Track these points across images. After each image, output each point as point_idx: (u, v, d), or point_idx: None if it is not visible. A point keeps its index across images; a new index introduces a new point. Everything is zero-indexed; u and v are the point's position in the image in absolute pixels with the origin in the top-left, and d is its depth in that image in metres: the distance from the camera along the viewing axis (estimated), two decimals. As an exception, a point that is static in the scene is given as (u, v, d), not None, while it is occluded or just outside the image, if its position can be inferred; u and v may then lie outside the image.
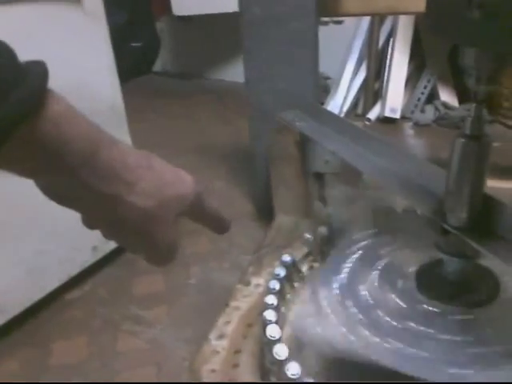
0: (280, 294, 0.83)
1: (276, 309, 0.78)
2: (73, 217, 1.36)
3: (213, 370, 0.85)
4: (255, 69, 1.43)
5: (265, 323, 0.74)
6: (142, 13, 3.12)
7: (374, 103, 2.44)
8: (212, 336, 0.91)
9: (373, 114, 2.40)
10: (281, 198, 1.28)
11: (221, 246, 1.50)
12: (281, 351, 0.67)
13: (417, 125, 2.32)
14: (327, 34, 2.04)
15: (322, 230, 1.03)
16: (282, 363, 0.66)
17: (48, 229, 1.24)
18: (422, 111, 2.34)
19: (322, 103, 2.50)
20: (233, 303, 0.99)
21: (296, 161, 1.26)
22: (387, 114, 2.33)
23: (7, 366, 1.10)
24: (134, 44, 3.00)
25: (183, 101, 2.94)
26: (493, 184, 0.65)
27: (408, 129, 2.32)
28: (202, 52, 3.35)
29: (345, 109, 2.48)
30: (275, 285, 0.85)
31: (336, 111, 2.45)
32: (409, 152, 0.90)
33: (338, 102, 2.47)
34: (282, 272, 0.89)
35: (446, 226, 0.65)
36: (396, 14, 2.13)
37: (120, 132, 1.35)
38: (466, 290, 0.70)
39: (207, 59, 3.35)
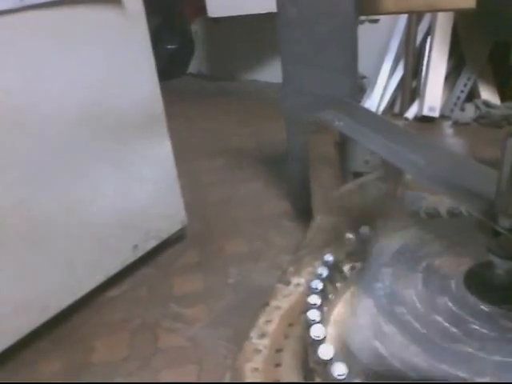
0: (322, 294, 0.82)
1: (319, 308, 0.77)
2: (114, 216, 1.39)
3: (255, 369, 0.84)
4: (292, 69, 1.43)
5: (309, 323, 0.73)
6: (176, 15, 3.16)
7: (411, 102, 2.40)
8: (253, 334, 0.91)
9: (410, 113, 2.36)
10: (320, 198, 1.27)
11: (258, 247, 1.49)
12: (326, 351, 0.66)
13: (456, 124, 2.26)
14: (363, 32, 2.02)
15: (365, 229, 1.01)
16: (327, 363, 0.66)
17: (90, 229, 1.26)
18: (462, 110, 2.28)
19: (359, 102, 2.47)
20: (273, 302, 0.98)
21: (335, 161, 1.24)
22: (425, 112, 2.29)
23: (50, 363, 1.12)
24: (168, 46, 3.04)
25: (216, 102, 2.97)
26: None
27: (447, 128, 2.27)
28: (236, 53, 3.37)
29: (381, 108, 2.44)
30: (318, 284, 0.84)
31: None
32: (452, 150, 0.88)
33: (375, 102, 2.43)
34: (324, 272, 0.88)
35: (497, 228, 0.63)
36: (435, 11, 2.09)
37: (159, 135, 1.37)
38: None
39: (241, 60, 3.37)
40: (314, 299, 0.78)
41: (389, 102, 2.45)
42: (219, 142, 2.34)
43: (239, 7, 2.56)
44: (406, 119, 2.35)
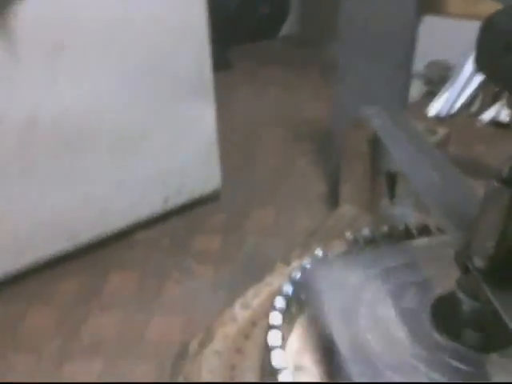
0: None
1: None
2: (153, 168, 1.50)
3: (226, 336, 0.92)
4: (349, 55, 1.43)
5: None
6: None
7: (490, 105, 2.27)
8: (237, 304, 0.98)
9: (487, 116, 2.24)
10: (347, 190, 1.29)
11: (283, 222, 1.55)
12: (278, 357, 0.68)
13: (533, 136, 2.12)
14: (455, 24, 1.93)
15: (365, 231, 1.03)
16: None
17: (130, 175, 1.38)
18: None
19: (434, 94, 2.39)
20: (267, 279, 1.04)
21: (367, 157, 1.25)
22: (503, 118, 2.17)
23: (66, 284, 1.28)
24: (261, 8, 3.05)
25: (296, 70, 2.95)
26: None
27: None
28: (330, 21, 3.30)
29: (458, 104, 2.34)
30: (297, 275, 0.87)
31: (447, 105, 2.33)
32: (469, 182, 0.87)
33: (452, 97, 2.33)
34: (308, 265, 0.91)
35: (469, 266, 0.63)
36: None
37: (205, 99, 1.44)
38: (480, 332, 0.68)
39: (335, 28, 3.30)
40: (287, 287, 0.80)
41: (467, 100, 2.33)
42: (288, 112, 2.35)
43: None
44: (481, 121, 2.24)
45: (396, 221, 1.04)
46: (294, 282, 0.82)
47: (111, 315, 1.19)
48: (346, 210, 1.28)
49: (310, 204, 1.64)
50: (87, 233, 1.36)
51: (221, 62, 2.71)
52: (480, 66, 0.57)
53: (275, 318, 0.72)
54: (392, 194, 1.23)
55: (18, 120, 1.16)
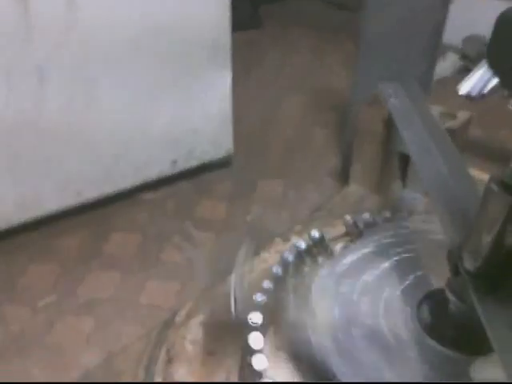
0: (294, 266, 0.83)
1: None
2: (163, 130, 1.49)
3: (214, 309, 0.92)
4: (374, 28, 1.36)
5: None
6: None
7: (523, 89, 2.17)
8: (231, 279, 0.97)
9: (518, 101, 2.15)
10: (358, 169, 1.26)
11: (291, 195, 1.53)
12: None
13: None
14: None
15: (365, 215, 1.01)
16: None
17: (139, 135, 1.37)
18: None
19: (469, 70, 2.29)
20: (263, 254, 1.04)
21: (380, 137, 1.21)
22: (535, 105, 2.08)
23: (68, 240, 1.29)
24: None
25: (329, 34, 2.85)
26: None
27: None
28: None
29: (491, 85, 2.24)
30: (288, 256, 0.86)
31: (479, 85, 2.24)
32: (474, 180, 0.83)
33: (487, 76, 2.23)
34: (302, 245, 0.89)
35: (459, 266, 0.61)
36: None
37: (221, 63, 1.40)
38: (464, 334, 0.66)
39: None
40: (277, 269, 0.79)
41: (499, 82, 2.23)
42: (314, 79, 2.27)
43: None
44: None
45: (405, 204, 1.01)
46: (285, 264, 0.81)
47: (109, 276, 1.20)
48: (354, 189, 1.25)
49: (320, 179, 1.61)
50: (93, 190, 1.36)
51: (251, 20, 2.63)
52: (492, 61, 0.53)
53: (259, 297, 0.71)
54: (404, 177, 1.19)
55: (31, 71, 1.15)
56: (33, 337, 1.04)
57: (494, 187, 0.52)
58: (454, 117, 1.13)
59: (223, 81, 1.44)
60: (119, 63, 1.26)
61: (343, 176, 1.61)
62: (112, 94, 1.29)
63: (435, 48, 1.32)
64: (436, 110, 1.16)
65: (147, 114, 1.36)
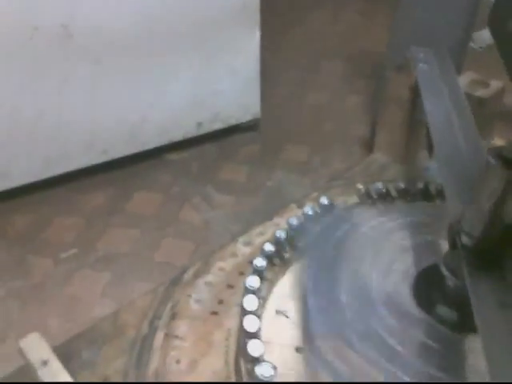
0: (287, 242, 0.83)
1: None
2: (181, 90, 1.49)
3: (222, 269, 0.94)
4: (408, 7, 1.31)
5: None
6: None
7: None
8: (241, 240, 0.98)
9: None
10: (382, 137, 1.23)
11: (314, 162, 1.52)
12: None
13: None
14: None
15: (379, 185, 0.99)
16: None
17: (164, 98, 1.38)
18: None
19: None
20: (276, 219, 1.04)
21: (406, 104, 1.18)
22: None
23: (93, 196, 1.34)
24: None
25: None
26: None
27: None
28: None
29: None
30: (281, 234, 0.84)
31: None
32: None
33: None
34: (294, 221, 0.86)
35: (457, 240, 0.60)
36: None
37: (250, 27, 1.38)
38: (457, 311, 0.66)
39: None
40: (268, 247, 0.78)
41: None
42: (355, 43, 2.19)
43: None
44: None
45: (428, 176, 0.99)
46: (290, 228, 0.81)
47: (128, 232, 1.24)
48: (377, 157, 1.23)
49: (347, 147, 1.59)
50: (119, 149, 1.40)
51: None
52: (492, 28, 0.50)
53: (259, 262, 0.73)
54: (431, 147, 1.16)
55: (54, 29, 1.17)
56: (52, 287, 1.10)
57: (492, 160, 0.51)
58: (486, 85, 1.08)
59: (251, 41, 1.42)
60: (148, 23, 1.27)
61: (371, 144, 1.58)
62: (138, 55, 1.30)
63: (473, 15, 1.25)
64: (468, 76, 1.10)
65: (172, 74, 1.37)
